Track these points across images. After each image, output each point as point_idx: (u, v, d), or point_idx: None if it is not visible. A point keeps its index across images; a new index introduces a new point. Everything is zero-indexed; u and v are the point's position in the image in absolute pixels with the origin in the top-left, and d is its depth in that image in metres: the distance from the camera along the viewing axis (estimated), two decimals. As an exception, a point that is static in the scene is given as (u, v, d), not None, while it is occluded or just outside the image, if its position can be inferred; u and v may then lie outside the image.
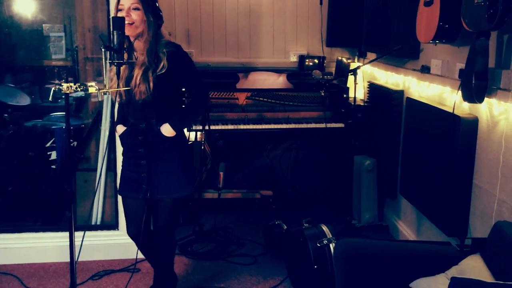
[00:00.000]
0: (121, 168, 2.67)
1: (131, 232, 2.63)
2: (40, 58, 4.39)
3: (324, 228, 2.81)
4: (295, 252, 2.94)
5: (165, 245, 2.71)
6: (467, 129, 2.59)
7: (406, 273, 2.08)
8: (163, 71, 2.38)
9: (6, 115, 3.91)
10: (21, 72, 4.48)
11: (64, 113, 4.13)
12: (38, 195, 3.76)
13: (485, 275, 1.95)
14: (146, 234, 2.64)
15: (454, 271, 2.03)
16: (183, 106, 2.69)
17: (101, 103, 3.42)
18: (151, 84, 2.36)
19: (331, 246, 2.69)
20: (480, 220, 2.61)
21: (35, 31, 4.23)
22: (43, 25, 4.18)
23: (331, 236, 2.74)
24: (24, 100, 4.34)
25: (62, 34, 4.28)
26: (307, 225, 2.94)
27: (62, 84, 1.93)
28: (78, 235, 2.40)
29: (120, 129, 2.55)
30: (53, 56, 4.40)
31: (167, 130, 2.45)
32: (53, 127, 4.03)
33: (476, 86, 2.26)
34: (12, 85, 4.40)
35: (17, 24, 4.10)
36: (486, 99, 2.36)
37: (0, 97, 4.21)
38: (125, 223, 2.66)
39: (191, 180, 2.62)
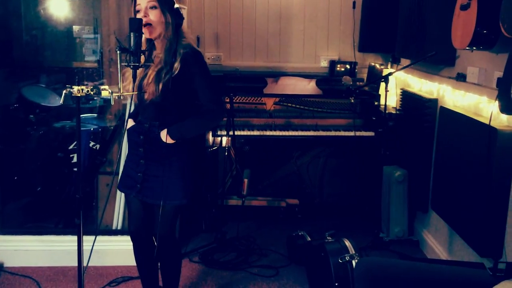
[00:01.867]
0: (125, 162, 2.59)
1: (131, 229, 2.55)
2: (71, 60, 4.42)
3: (347, 243, 2.67)
4: (317, 267, 2.81)
5: (167, 255, 2.59)
6: (505, 142, 2.41)
7: (432, 297, 1.93)
8: (175, 73, 2.28)
9: (31, 116, 3.92)
10: (54, 73, 4.52)
11: (94, 114, 4.18)
12: (61, 198, 3.75)
13: (519, 304, 1.78)
14: (146, 236, 2.56)
15: (485, 298, 1.87)
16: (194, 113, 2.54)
17: (124, 105, 3.38)
18: (161, 85, 2.26)
19: (354, 262, 2.54)
20: (517, 241, 2.42)
21: (66, 32, 4.26)
22: (73, 26, 4.20)
23: (354, 252, 2.60)
24: (56, 101, 4.37)
25: (93, 35, 4.29)
26: (330, 238, 2.82)
27: (73, 86, 1.87)
28: (98, 239, 2.36)
29: (130, 123, 2.49)
30: (86, 58, 4.43)
31: (164, 136, 2.34)
32: (82, 129, 4.03)
33: (514, 96, 2.09)
34: (44, 86, 4.44)
35: (47, 26, 4.13)
36: (525, 111, 2.19)
37: (33, 97, 4.25)
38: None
39: (188, 191, 2.45)
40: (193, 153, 2.47)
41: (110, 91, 1.94)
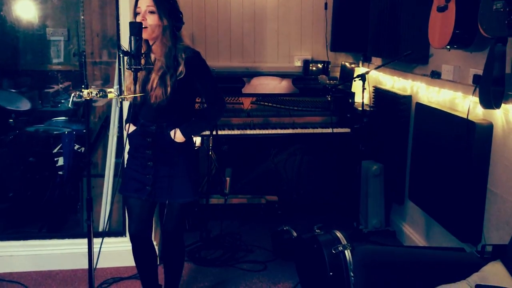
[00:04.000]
0: (125, 166, 2.61)
1: (132, 230, 2.58)
2: (43, 63, 4.35)
3: (339, 234, 2.79)
4: (309, 259, 2.92)
5: (174, 251, 2.67)
6: (482, 134, 2.59)
7: (427, 280, 2.07)
8: (181, 77, 2.36)
9: (11, 120, 3.86)
10: (22, 76, 4.43)
11: (65, 118, 4.14)
12: (43, 202, 3.71)
13: (508, 282, 1.94)
14: (146, 238, 2.61)
15: (476, 278, 2.03)
16: (196, 113, 2.64)
17: (108, 108, 3.39)
18: (169, 89, 2.33)
19: (346, 252, 2.67)
20: (494, 226, 2.61)
21: (38, 35, 4.20)
22: (47, 29, 4.15)
23: (346, 242, 2.72)
24: (25, 105, 4.30)
25: (63, 38, 4.25)
26: (319, 231, 2.93)
27: (83, 90, 1.90)
28: (83, 242, 2.38)
29: (130, 128, 2.52)
30: (55, 61, 4.37)
31: (177, 135, 2.43)
32: (56, 132, 3.99)
33: (493, 92, 2.26)
34: (12, 90, 4.35)
35: (20, 29, 4.06)
36: (502, 105, 2.37)
37: (0, 102, 4.17)
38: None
39: (197, 186, 2.58)
40: (194, 150, 2.55)
41: (116, 94, 1.98)
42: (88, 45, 3.29)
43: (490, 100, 2.28)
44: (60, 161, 3.67)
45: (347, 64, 4.49)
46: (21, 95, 4.31)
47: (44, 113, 4.31)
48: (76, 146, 3.50)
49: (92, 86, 3.67)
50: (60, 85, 4.44)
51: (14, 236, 3.35)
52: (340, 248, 2.68)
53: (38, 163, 4.00)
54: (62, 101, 4.34)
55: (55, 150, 3.67)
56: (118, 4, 3.13)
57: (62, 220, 3.59)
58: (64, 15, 3.95)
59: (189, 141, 2.52)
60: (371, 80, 4.28)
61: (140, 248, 2.62)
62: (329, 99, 3.91)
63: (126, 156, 2.56)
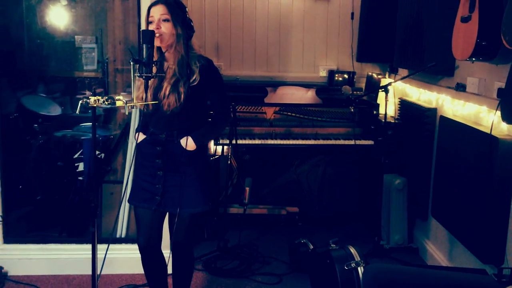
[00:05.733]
0: (133, 176, 2.61)
1: (142, 243, 2.55)
2: (72, 69, 4.44)
3: (352, 250, 2.72)
4: (322, 274, 2.85)
5: (183, 262, 2.64)
6: (506, 151, 2.48)
7: (440, 302, 1.98)
8: (194, 84, 2.35)
9: (36, 125, 3.94)
10: (53, 82, 4.53)
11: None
12: (64, 206, 3.76)
13: (525, 309, 1.84)
14: (155, 249, 2.58)
15: (492, 303, 1.92)
16: (208, 120, 2.62)
17: (129, 115, 3.42)
18: (182, 96, 2.32)
19: (359, 269, 2.59)
20: (518, 247, 2.48)
21: (67, 42, 4.28)
22: (76, 36, 4.23)
23: (359, 259, 2.64)
24: (55, 110, 4.39)
25: (94, 45, 4.32)
26: (334, 245, 2.86)
27: (90, 97, 1.91)
28: (102, 247, 2.38)
29: (140, 137, 2.52)
30: (85, 67, 4.45)
31: (189, 143, 2.40)
32: (82, 137, 4.05)
33: (516, 106, 2.16)
34: (44, 95, 4.46)
35: (49, 35, 4.15)
36: (526, 120, 2.26)
37: (31, 106, 4.26)
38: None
39: (207, 197, 2.54)
40: (206, 160, 2.53)
41: (125, 101, 1.98)
42: (111, 53, 3.33)
43: (512, 115, 2.17)
44: (81, 166, 3.72)
45: (374, 75, 4.41)
46: (52, 100, 4.41)
47: (73, 119, 4.40)
48: (97, 152, 3.54)
49: (122, 93, 3.73)
50: (91, 92, 4.53)
51: (34, 240, 3.41)
52: (353, 265, 2.60)
53: (65, 168, 4.08)
54: (86, 107, 4.41)
55: (76, 156, 3.72)
56: (140, 12, 3.17)
57: (82, 225, 3.63)
58: (92, 23, 4.02)
59: (199, 150, 2.49)
60: (398, 92, 4.19)
61: (149, 260, 2.60)
62: (352, 110, 3.84)
63: (128, 165, 2.55)
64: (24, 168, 4.05)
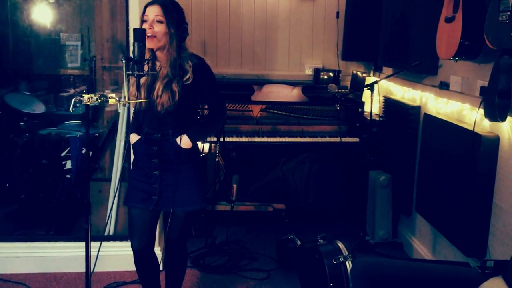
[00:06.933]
0: (128, 177, 2.61)
1: (135, 246, 2.54)
2: (57, 67, 4.41)
3: (340, 244, 2.77)
4: (310, 269, 2.90)
5: (177, 259, 2.68)
6: (488, 147, 2.55)
7: (426, 294, 2.04)
8: (188, 82, 2.38)
9: (22, 123, 3.91)
10: (38, 80, 4.50)
11: (79, 121, 4.19)
12: (51, 204, 3.75)
13: (508, 299, 1.91)
14: (148, 250, 2.59)
15: (476, 294, 1.99)
16: (199, 118, 2.66)
17: (116, 112, 3.42)
18: (177, 95, 2.34)
19: (347, 263, 2.64)
20: (499, 241, 2.56)
21: (53, 40, 4.26)
22: (61, 34, 4.21)
23: (347, 253, 2.70)
24: (39, 108, 4.36)
25: (79, 43, 4.30)
26: (322, 241, 2.91)
27: (83, 95, 1.92)
28: (92, 245, 2.39)
29: (134, 137, 2.53)
30: (69, 65, 4.42)
31: (184, 141, 2.43)
32: (68, 135, 4.04)
33: (498, 104, 2.23)
34: (28, 93, 4.42)
35: (35, 33, 4.13)
36: (508, 117, 2.33)
37: (15, 104, 4.23)
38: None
39: (204, 194, 2.58)
40: (200, 157, 2.56)
41: (118, 99, 2.00)
42: (98, 50, 3.34)
43: (495, 113, 2.24)
44: (68, 164, 3.71)
45: (358, 73, 4.47)
46: (36, 98, 4.38)
47: (58, 117, 4.38)
48: (84, 150, 3.53)
49: (106, 91, 3.73)
50: (76, 89, 4.51)
51: (21, 238, 3.40)
52: (341, 259, 2.65)
53: (50, 166, 4.06)
54: (77, 105, 4.40)
55: (63, 154, 3.71)
56: (128, 10, 3.17)
57: (70, 223, 3.63)
58: (78, 20, 4.01)
59: (194, 148, 2.52)
60: (382, 90, 4.26)
61: (143, 261, 2.61)
62: (338, 108, 3.89)
63: (116, 163, 2.56)
64: (9, 166, 4.03)
